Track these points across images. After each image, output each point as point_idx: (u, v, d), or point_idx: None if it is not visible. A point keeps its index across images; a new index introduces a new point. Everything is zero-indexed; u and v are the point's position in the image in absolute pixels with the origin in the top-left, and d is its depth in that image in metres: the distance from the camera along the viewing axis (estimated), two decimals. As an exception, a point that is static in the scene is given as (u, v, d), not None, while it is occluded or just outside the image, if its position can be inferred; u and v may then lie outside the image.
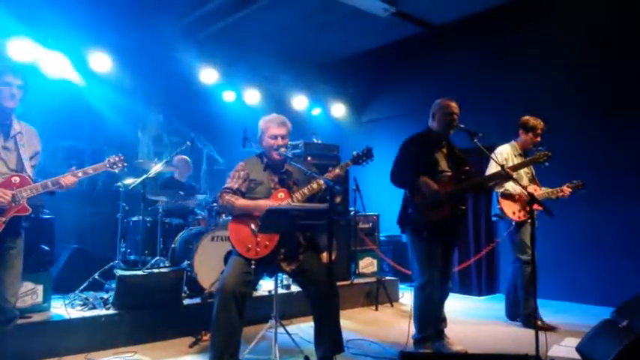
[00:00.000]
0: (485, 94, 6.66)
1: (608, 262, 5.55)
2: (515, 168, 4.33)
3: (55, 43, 5.77)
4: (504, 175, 3.79)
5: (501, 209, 4.65)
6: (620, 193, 5.51)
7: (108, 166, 3.28)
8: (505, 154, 4.70)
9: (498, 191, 4.66)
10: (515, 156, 4.72)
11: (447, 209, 3.67)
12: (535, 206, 4.53)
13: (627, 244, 5.45)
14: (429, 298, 3.72)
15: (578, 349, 3.51)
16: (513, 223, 4.64)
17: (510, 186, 4.63)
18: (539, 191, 4.69)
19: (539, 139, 4.73)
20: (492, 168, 4.50)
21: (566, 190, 4.64)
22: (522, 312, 4.71)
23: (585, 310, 5.38)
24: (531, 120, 4.74)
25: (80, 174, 3.12)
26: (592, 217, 5.69)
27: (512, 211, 4.63)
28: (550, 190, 4.70)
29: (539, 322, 4.36)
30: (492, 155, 4.65)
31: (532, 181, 4.80)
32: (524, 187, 3.94)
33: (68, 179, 3.06)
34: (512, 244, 4.75)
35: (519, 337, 4.33)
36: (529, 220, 4.54)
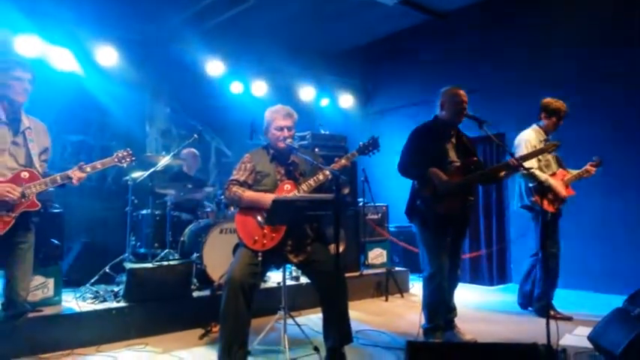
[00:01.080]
0: (491, 82, 6.60)
1: (619, 250, 5.51)
2: (524, 158, 4.21)
3: (62, 38, 5.82)
4: (513, 165, 3.74)
5: (536, 201, 4.49)
6: (631, 180, 5.45)
7: (116, 160, 3.31)
8: (533, 140, 4.54)
9: (533, 183, 4.48)
10: (540, 141, 4.58)
11: (455, 202, 3.66)
12: (569, 191, 4.56)
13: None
14: (437, 288, 3.72)
15: (590, 337, 3.50)
16: (549, 214, 4.50)
17: (545, 178, 4.49)
18: (568, 175, 4.62)
19: (562, 122, 4.63)
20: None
21: (591, 169, 4.58)
22: (538, 302, 4.69)
23: (597, 298, 5.35)
24: (553, 102, 4.62)
25: (89, 169, 3.15)
26: (603, 204, 5.63)
27: (546, 202, 4.50)
28: (578, 171, 4.63)
29: (552, 312, 4.35)
30: (519, 140, 4.63)
31: (560, 165, 4.72)
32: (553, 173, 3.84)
33: (77, 174, 3.09)
34: (539, 235, 4.66)
35: (531, 326, 4.32)
36: (557, 212, 4.55)
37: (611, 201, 5.60)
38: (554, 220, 4.56)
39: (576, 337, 3.91)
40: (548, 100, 4.65)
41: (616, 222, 5.59)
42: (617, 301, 3.57)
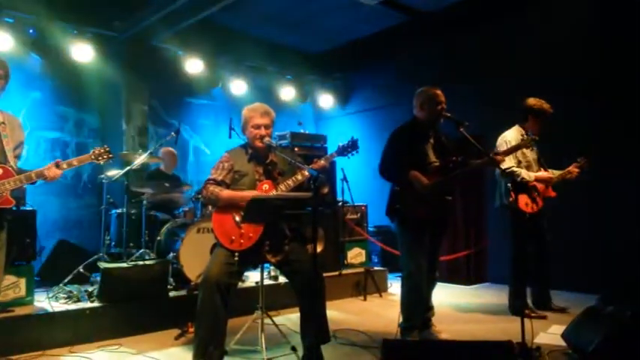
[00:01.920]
0: (472, 83, 6.67)
1: (597, 247, 5.60)
2: (505, 154, 4.21)
3: (37, 33, 5.73)
4: (491, 163, 3.80)
5: (515, 200, 4.50)
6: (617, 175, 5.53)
7: (93, 157, 3.25)
8: (513, 140, 4.56)
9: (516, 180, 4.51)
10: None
11: (435, 204, 3.69)
12: (550, 193, 4.61)
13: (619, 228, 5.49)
14: (415, 287, 3.75)
15: (564, 336, 3.57)
16: (527, 215, 4.53)
17: (526, 174, 4.55)
18: (547, 176, 4.65)
19: (545, 123, 4.64)
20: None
21: (574, 170, 4.63)
22: (512, 301, 4.75)
23: (573, 297, 5.44)
24: (536, 103, 4.63)
25: (65, 166, 3.09)
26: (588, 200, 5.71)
27: (524, 202, 4.55)
28: (561, 172, 4.68)
29: (527, 311, 4.42)
30: (501, 140, 4.66)
31: (542, 167, 4.76)
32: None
33: (53, 171, 3.03)
34: (513, 235, 4.66)
35: (506, 325, 4.37)
36: (536, 212, 4.58)
37: (596, 197, 5.64)
38: (533, 220, 4.61)
39: (551, 335, 3.97)
40: (532, 101, 4.66)
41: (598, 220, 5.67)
42: (593, 299, 3.66)
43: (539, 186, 4.60)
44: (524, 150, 4.58)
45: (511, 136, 4.64)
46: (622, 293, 3.83)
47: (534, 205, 4.56)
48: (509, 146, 4.50)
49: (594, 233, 5.58)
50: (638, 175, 5.19)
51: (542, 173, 4.65)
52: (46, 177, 3.02)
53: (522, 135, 4.56)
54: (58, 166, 3.06)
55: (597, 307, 3.55)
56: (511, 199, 4.58)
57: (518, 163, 4.61)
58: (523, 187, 4.54)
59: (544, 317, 4.57)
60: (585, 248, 5.60)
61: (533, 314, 4.54)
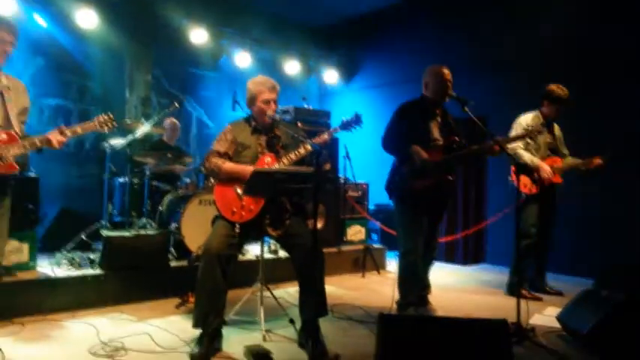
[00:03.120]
0: (483, 62, 6.61)
1: (592, 233, 5.65)
2: (508, 141, 4.18)
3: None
4: (489, 151, 3.78)
5: (513, 180, 4.52)
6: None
7: (97, 125, 3.24)
8: (525, 123, 4.55)
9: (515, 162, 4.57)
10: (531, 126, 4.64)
11: (433, 179, 3.72)
12: (556, 179, 4.60)
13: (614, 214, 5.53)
14: (412, 265, 3.82)
15: (559, 318, 3.64)
16: (523, 195, 4.57)
17: (530, 158, 4.59)
18: (559, 163, 4.66)
19: (563, 109, 4.64)
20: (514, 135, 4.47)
21: (596, 161, 4.55)
22: (509, 281, 4.83)
23: (570, 281, 5.51)
24: (555, 89, 4.62)
25: (69, 133, 3.09)
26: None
27: (523, 183, 4.57)
28: (575, 162, 4.67)
29: (523, 292, 4.49)
30: (515, 123, 4.68)
31: (554, 151, 4.74)
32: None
33: (57, 138, 3.03)
34: (516, 215, 4.72)
35: (502, 305, 4.45)
36: (538, 196, 4.61)
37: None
38: (534, 202, 4.65)
39: (546, 317, 4.04)
40: (551, 86, 4.65)
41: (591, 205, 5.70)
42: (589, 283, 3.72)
43: (546, 175, 4.60)
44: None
45: (525, 121, 4.63)
46: (617, 278, 3.89)
47: (534, 187, 4.59)
48: (516, 128, 4.56)
49: (592, 218, 5.61)
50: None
51: (545, 168, 4.60)
52: (51, 143, 3.03)
53: (538, 121, 4.58)
54: (61, 133, 3.07)
55: (593, 291, 3.62)
56: (511, 179, 4.63)
57: (527, 145, 4.63)
58: (525, 168, 4.56)
59: (540, 299, 4.64)
60: (582, 232, 5.64)
61: (529, 295, 4.61)
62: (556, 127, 4.83)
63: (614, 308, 3.26)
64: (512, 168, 4.56)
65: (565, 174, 4.71)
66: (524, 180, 4.60)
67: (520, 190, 4.37)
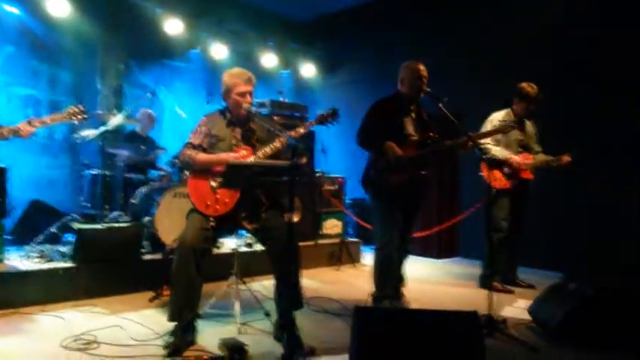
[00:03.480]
0: (460, 59, 6.69)
1: (561, 227, 5.79)
2: (480, 137, 4.28)
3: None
4: (462, 146, 3.84)
5: (484, 175, 4.63)
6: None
7: (67, 116, 3.22)
8: (495, 121, 4.69)
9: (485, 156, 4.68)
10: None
11: (408, 174, 3.78)
12: (526, 174, 4.70)
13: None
14: (387, 258, 3.87)
15: (530, 311, 3.74)
16: (494, 190, 4.67)
17: (500, 152, 4.69)
18: (530, 160, 4.75)
19: (533, 106, 4.74)
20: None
21: (565, 158, 4.63)
22: (481, 274, 4.94)
23: (541, 274, 5.64)
24: (525, 87, 4.72)
25: (37, 123, 3.06)
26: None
27: (494, 177, 4.68)
28: (545, 158, 4.76)
29: (495, 284, 4.59)
30: (487, 121, 4.78)
31: (526, 148, 4.82)
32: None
33: (26, 129, 3.00)
34: (486, 209, 4.79)
35: (474, 297, 4.54)
36: (509, 191, 4.71)
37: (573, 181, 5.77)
38: (505, 196, 4.75)
39: (516, 309, 4.15)
40: (522, 84, 4.75)
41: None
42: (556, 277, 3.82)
43: (516, 165, 4.70)
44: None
45: (496, 119, 4.75)
46: (585, 271, 4.02)
47: (506, 181, 4.71)
48: (487, 125, 4.70)
49: (563, 212, 5.75)
50: (615, 157, 5.31)
51: (514, 158, 4.72)
52: (20, 134, 2.99)
53: (509, 118, 4.69)
54: (30, 123, 3.03)
55: (562, 284, 3.73)
56: (480, 174, 4.73)
57: (497, 142, 4.74)
58: (496, 163, 4.67)
59: (511, 292, 4.76)
60: (553, 227, 5.78)
61: (500, 288, 4.73)
62: (528, 124, 4.94)
63: (582, 301, 3.37)
64: (483, 164, 4.65)
65: (537, 170, 4.82)
66: (496, 174, 4.71)
67: (491, 184, 4.50)
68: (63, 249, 4.46)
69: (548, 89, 4.81)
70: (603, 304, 3.33)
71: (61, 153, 6.39)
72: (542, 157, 4.85)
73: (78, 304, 3.96)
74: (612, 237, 5.33)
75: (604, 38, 5.53)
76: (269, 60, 8.14)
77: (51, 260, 4.25)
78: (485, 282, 4.72)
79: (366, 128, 3.87)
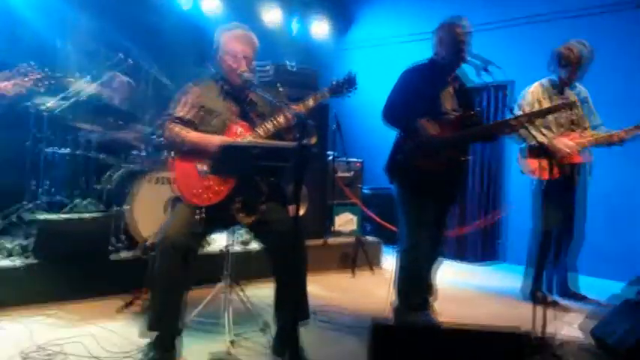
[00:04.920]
0: (510, 16, 6.60)
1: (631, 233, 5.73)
2: (535, 116, 4.15)
3: None
4: (514, 125, 3.82)
5: (524, 165, 4.63)
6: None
7: (28, 81, 3.17)
8: (532, 96, 4.66)
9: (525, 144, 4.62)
10: (547, 97, 4.68)
11: (443, 159, 3.74)
12: (576, 159, 4.63)
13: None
14: (413, 263, 3.85)
15: (593, 332, 3.67)
16: (535, 182, 4.68)
17: (541, 136, 4.60)
18: (578, 139, 4.69)
19: (578, 72, 4.70)
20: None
21: (621, 134, 4.58)
22: (524, 283, 4.92)
23: (595, 283, 5.60)
24: (565, 51, 4.67)
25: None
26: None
27: (533, 167, 4.64)
28: (602, 134, 4.69)
29: (541, 296, 4.56)
30: (520, 97, 4.75)
31: (578, 126, 4.78)
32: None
33: None
34: (532, 207, 4.82)
35: (518, 312, 4.51)
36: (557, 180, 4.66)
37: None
38: (553, 189, 4.67)
39: (570, 327, 4.12)
40: (560, 48, 4.70)
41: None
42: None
43: (564, 150, 4.64)
44: (543, 104, 4.60)
45: (531, 90, 4.73)
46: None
47: (546, 171, 4.47)
48: (521, 101, 4.65)
49: (628, 205, 5.68)
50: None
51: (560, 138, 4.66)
52: None
53: (552, 94, 4.66)
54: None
55: (636, 301, 3.66)
56: (519, 164, 4.68)
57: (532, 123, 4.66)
58: (539, 150, 4.58)
59: (560, 305, 4.73)
60: (616, 225, 5.72)
61: (548, 300, 4.68)
62: (575, 93, 4.85)
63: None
64: (527, 152, 4.62)
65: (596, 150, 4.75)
66: (543, 164, 4.62)
67: (539, 176, 4.44)
68: (11, 245, 4.43)
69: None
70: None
71: (10, 125, 6.35)
72: (599, 133, 4.74)
73: (39, 308, 3.98)
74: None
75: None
76: (273, 15, 8.08)
77: (5, 257, 4.27)
78: (531, 293, 4.73)
79: (394, 102, 3.83)
